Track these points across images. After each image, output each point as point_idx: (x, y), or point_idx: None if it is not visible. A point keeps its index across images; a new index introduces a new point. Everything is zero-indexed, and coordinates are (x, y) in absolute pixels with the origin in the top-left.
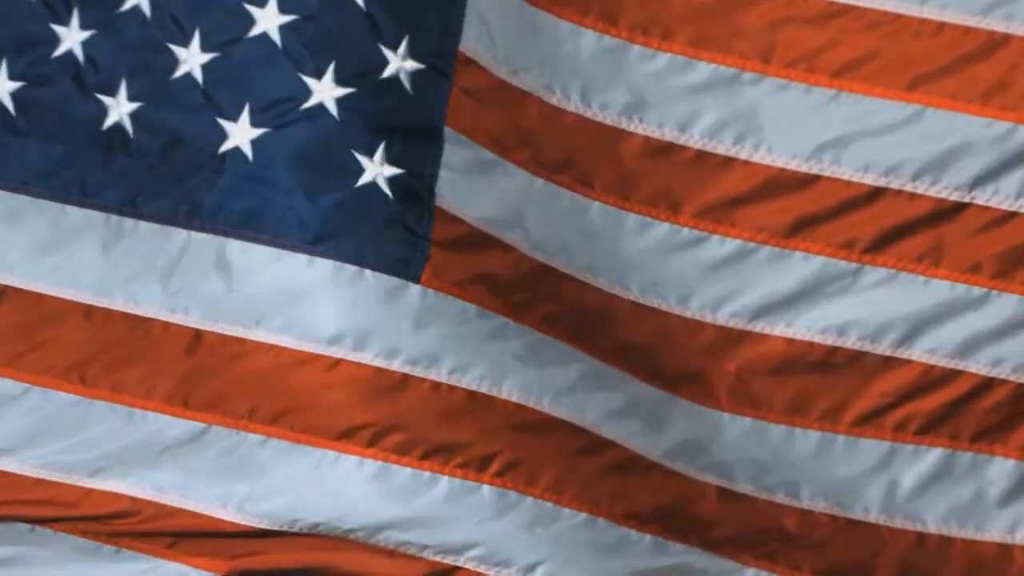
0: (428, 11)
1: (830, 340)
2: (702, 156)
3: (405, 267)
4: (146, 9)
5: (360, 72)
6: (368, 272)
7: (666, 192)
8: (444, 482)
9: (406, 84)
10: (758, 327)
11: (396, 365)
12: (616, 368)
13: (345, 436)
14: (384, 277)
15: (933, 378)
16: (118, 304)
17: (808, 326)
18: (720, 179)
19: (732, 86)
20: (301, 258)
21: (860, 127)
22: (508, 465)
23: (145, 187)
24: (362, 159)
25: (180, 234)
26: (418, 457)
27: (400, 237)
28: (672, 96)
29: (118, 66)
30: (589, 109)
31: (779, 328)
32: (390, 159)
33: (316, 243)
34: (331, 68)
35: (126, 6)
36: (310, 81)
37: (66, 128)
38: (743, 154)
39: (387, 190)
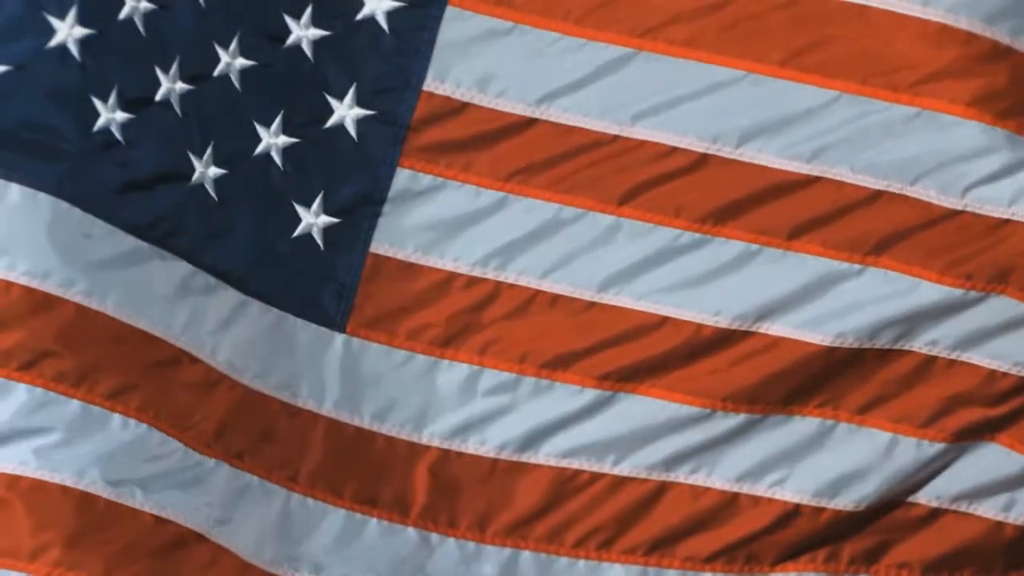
0: (383, 57)
1: (828, 341)
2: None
3: (331, 317)
4: (140, 25)
5: (305, 122)
6: (294, 319)
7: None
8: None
9: (351, 131)
10: (762, 328)
11: (325, 410)
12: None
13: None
14: (312, 326)
15: (933, 370)
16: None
17: (809, 327)
18: (723, 183)
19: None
20: (240, 297)
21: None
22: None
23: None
24: (300, 209)
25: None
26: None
27: (327, 287)
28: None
29: (113, 73)
30: (599, 123)
31: (782, 329)
32: (328, 209)
33: (249, 286)
34: (279, 117)
35: (123, 14)
36: (260, 129)
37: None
38: (745, 156)
39: (319, 240)
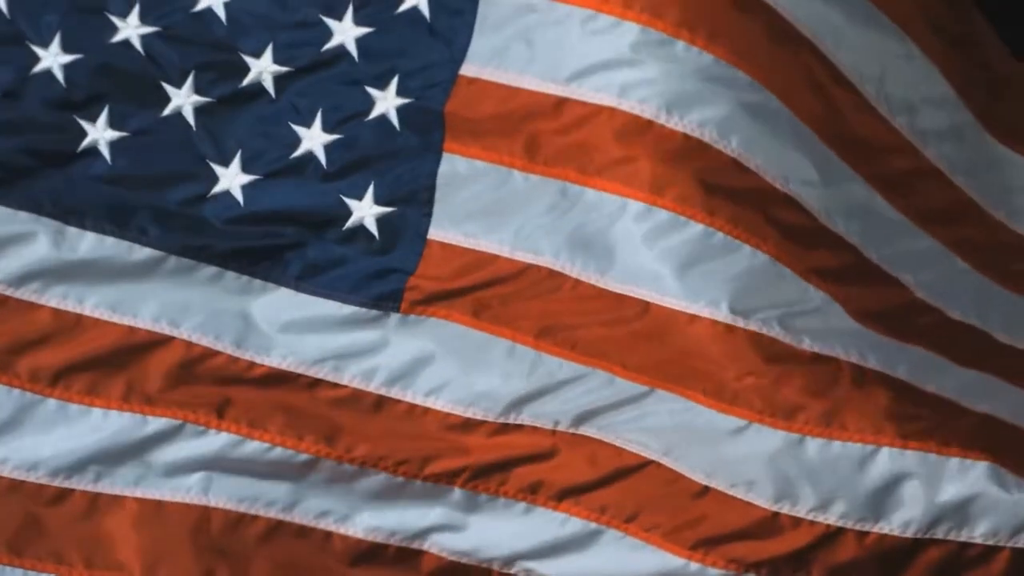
0: (422, 46)
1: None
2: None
3: (386, 300)
4: (137, 45)
5: (348, 117)
6: (349, 308)
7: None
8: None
9: (394, 121)
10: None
11: (372, 387)
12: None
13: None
14: (362, 310)
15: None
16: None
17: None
18: None
19: None
20: (284, 292)
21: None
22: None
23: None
24: (350, 202)
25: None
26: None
27: (384, 275)
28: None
29: (104, 93)
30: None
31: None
32: (379, 199)
33: (302, 282)
34: (319, 116)
35: (118, 37)
36: (300, 130)
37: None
38: None
39: (374, 230)
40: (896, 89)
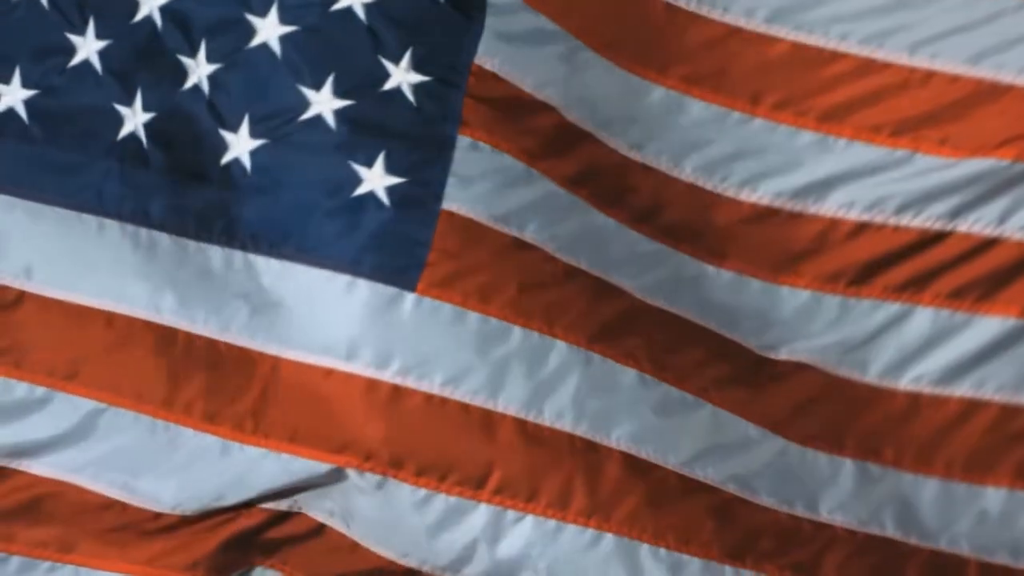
0: (436, 25)
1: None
2: (693, 189)
3: (400, 276)
4: (157, 20)
5: (360, 85)
6: (361, 282)
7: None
8: (440, 500)
9: (409, 96)
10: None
11: (388, 375)
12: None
13: (341, 450)
14: (379, 286)
15: (920, 405)
16: (140, 313)
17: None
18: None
19: (722, 124)
20: (299, 268)
21: (846, 168)
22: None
23: (158, 198)
24: (360, 169)
25: (191, 245)
26: (413, 473)
27: (396, 246)
28: (672, 131)
29: (133, 76)
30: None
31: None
32: (391, 169)
33: (311, 254)
34: (330, 80)
35: (138, 17)
36: (309, 92)
37: (82, 137)
38: (729, 192)
39: (385, 199)
40: None
